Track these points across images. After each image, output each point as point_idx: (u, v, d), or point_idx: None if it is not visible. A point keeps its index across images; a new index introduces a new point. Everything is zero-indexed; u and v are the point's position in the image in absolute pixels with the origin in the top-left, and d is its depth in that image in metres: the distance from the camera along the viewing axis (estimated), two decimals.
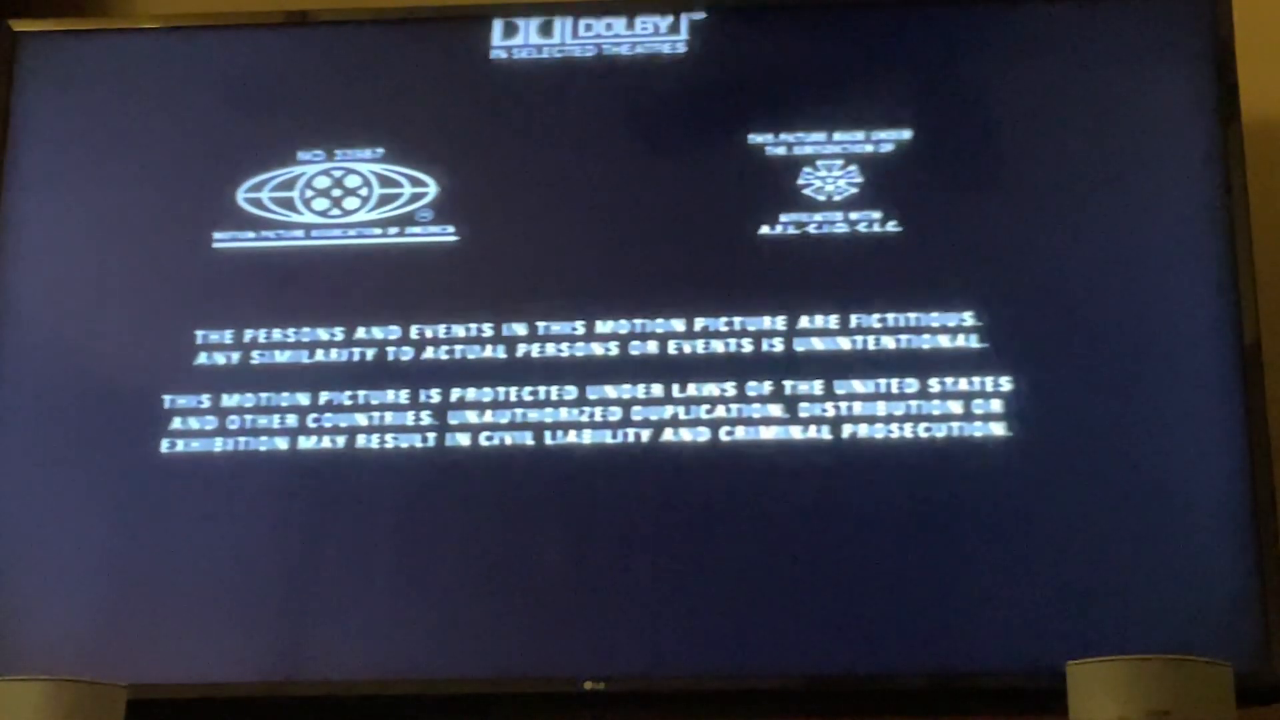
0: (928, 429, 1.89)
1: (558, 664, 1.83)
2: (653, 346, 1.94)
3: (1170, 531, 1.83)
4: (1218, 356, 1.87)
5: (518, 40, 2.07)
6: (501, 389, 1.94)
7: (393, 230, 2.01)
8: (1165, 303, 1.91)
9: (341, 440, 1.93)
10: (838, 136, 2.00)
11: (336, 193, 2.03)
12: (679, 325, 1.94)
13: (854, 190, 1.98)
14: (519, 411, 1.93)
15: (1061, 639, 1.76)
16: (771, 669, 1.82)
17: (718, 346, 1.93)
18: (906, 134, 1.99)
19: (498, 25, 2.07)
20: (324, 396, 1.95)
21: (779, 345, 1.93)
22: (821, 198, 1.98)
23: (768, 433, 1.90)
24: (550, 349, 1.95)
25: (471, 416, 1.93)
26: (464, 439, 1.92)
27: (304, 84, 2.11)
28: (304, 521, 1.92)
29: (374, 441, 1.93)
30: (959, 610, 1.83)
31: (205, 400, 1.96)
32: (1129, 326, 1.91)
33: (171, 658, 1.87)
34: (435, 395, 1.94)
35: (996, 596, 1.82)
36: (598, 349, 1.95)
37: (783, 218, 1.97)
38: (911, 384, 1.90)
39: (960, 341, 1.91)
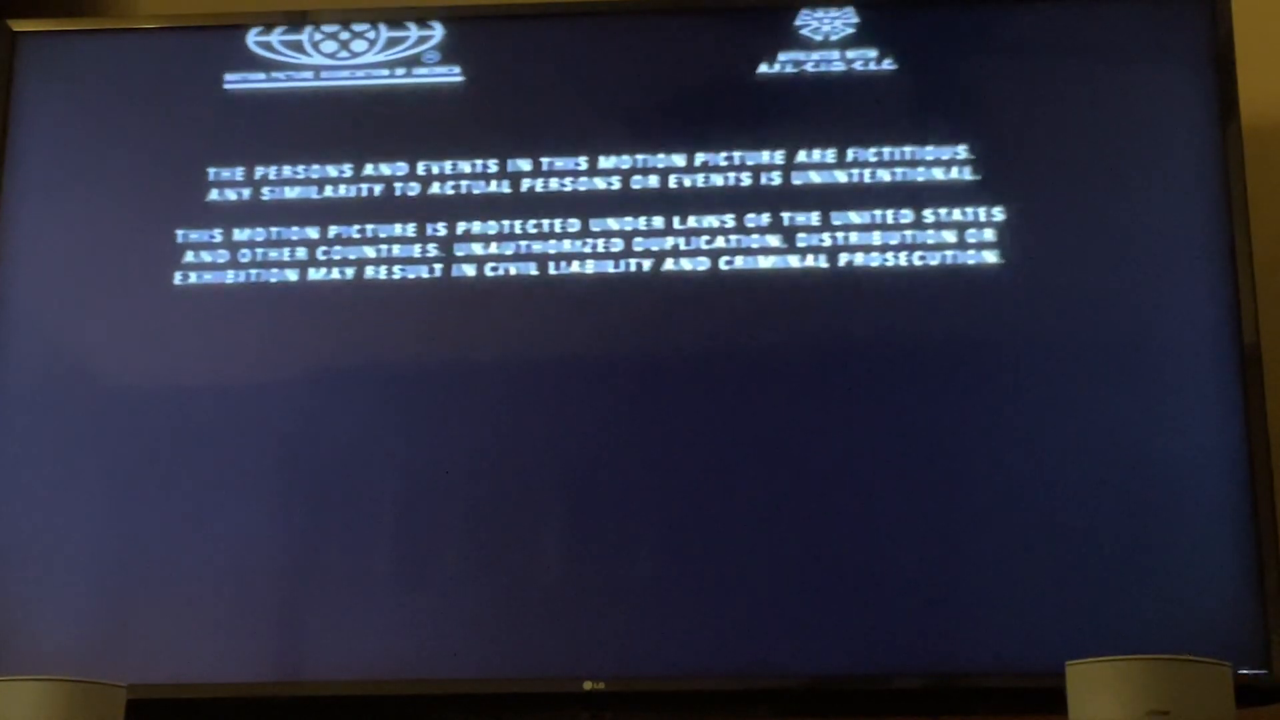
0: (922, 257, 1.93)
1: (558, 664, 1.84)
2: (654, 181, 1.98)
3: (1170, 531, 1.83)
4: (1216, 357, 1.87)
5: None
6: (506, 222, 1.98)
7: (400, 71, 2.05)
8: (1164, 308, 1.91)
9: (350, 272, 1.98)
10: None
11: (345, 36, 2.07)
12: (679, 160, 1.98)
13: (850, 31, 2.02)
14: (523, 243, 1.97)
15: (1061, 639, 1.77)
16: (771, 669, 1.83)
17: (717, 180, 1.98)
18: None
19: None
20: (333, 230, 1.99)
21: (777, 179, 1.97)
22: (819, 38, 2.02)
23: (766, 262, 1.94)
24: (554, 184, 1.99)
25: (477, 248, 1.97)
26: (470, 270, 1.97)
27: None
28: (313, 349, 1.96)
29: (382, 273, 1.97)
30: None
31: (217, 235, 2.00)
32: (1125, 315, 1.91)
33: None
34: (441, 228, 1.98)
35: (997, 593, 1.82)
36: (600, 183, 1.99)
37: (781, 56, 2.01)
38: (906, 215, 1.95)
39: (954, 174, 1.96)
